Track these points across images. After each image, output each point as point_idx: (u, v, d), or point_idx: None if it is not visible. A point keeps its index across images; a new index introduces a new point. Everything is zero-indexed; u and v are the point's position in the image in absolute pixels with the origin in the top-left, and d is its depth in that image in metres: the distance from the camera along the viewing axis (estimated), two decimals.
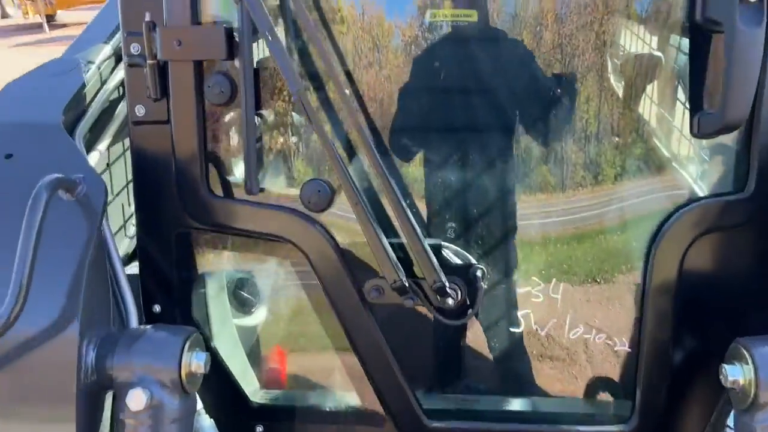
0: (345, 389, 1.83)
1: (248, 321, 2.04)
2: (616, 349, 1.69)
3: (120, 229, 2.08)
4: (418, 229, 1.50)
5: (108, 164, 1.99)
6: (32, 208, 1.33)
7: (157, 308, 1.75)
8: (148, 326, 1.53)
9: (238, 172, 1.65)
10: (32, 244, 1.32)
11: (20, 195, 1.36)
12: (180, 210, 1.65)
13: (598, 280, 1.65)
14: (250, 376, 1.93)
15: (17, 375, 1.37)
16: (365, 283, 1.58)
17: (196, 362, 1.47)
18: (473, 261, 1.60)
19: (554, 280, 1.64)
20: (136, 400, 1.40)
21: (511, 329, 1.69)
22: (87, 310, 1.43)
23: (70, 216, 1.47)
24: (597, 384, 1.77)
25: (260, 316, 2.09)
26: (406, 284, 1.52)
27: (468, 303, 1.57)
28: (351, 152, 1.58)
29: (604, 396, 1.78)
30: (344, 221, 1.59)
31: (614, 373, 1.73)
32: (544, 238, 1.64)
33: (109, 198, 1.96)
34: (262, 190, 1.60)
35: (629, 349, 1.67)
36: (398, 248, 1.56)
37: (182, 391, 1.45)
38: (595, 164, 1.58)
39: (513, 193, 1.64)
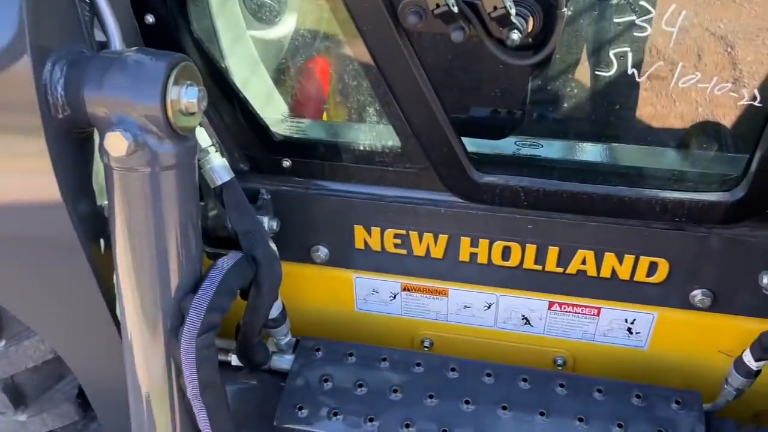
0: (385, 125, 1.52)
1: (270, 34, 1.68)
2: (740, 103, 1.26)
3: None
4: None
5: None
6: None
7: (149, 18, 1.40)
8: (127, 50, 1.20)
9: None
10: None
11: None
12: None
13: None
14: (274, 102, 1.64)
15: None
16: (400, 2, 1.14)
17: (187, 99, 1.17)
18: None
19: (673, 5, 1.14)
20: (115, 143, 1.14)
21: (597, 71, 1.26)
22: (38, 22, 1.10)
23: None
24: (701, 138, 1.38)
25: (286, 28, 1.71)
26: (454, 9, 1.08)
27: (541, 36, 1.12)
28: None
29: (708, 154, 1.40)
30: None
31: (729, 130, 1.32)
32: None
33: None
34: None
35: (759, 105, 1.24)
36: None
37: (173, 133, 1.18)
38: None
39: None
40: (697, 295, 1.56)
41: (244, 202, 1.43)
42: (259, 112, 1.53)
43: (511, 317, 1.77)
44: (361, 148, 1.53)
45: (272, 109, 1.62)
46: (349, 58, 1.49)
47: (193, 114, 1.20)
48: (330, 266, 1.76)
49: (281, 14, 1.68)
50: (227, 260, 1.36)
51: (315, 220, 1.67)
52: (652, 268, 1.54)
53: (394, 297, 1.81)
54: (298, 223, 1.67)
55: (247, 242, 1.42)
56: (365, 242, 1.69)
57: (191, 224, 1.29)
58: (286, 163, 1.59)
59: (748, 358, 1.44)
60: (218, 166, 1.40)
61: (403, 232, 1.64)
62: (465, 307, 1.78)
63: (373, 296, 1.82)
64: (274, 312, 1.63)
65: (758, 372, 1.46)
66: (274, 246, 1.46)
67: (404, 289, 1.78)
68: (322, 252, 1.72)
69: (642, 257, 1.52)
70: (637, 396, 1.62)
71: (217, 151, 1.40)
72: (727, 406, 1.59)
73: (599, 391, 1.63)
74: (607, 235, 1.49)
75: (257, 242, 1.42)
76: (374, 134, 1.53)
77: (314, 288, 1.83)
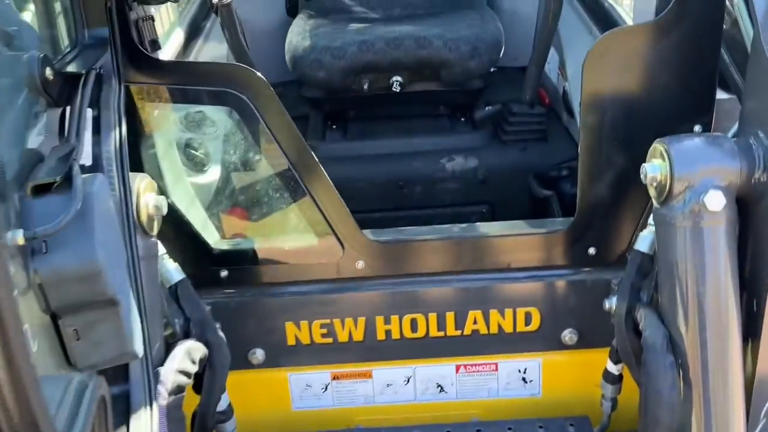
0: (301, 230, 1.94)
1: (201, 179, 2.10)
2: None
3: None
4: None
5: None
6: None
7: None
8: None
9: None
10: None
11: None
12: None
13: None
14: (210, 229, 2.01)
15: None
16: None
17: (153, 205, 1.53)
18: None
19: None
20: None
21: None
22: None
23: None
24: None
25: (213, 175, 2.14)
26: None
27: None
28: None
29: None
30: None
31: None
32: None
33: None
34: None
35: None
36: None
37: (143, 232, 1.52)
38: None
39: None
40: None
41: (195, 295, 1.72)
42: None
43: (428, 387, 2.07)
44: (286, 248, 1.91)
45: (207, 235, 1.98)
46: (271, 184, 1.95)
47: (158, 216, 1.55)
48: (266, 368, 2.01)
49: (208, 165, 2.12)
50: (187, 340, 1.62)
51: (250, 324, 1.96)
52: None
53: (326, 388, 2.06)
54: (235, 330, 1.94)
55: (198, 330, 1.69)
56: (296, 338, 1.98)
57: (158, 308, 1.57)
58: (224, 273, 1.92)
59: (609, 366, 1.83)
60: (172, 269, 1.71)
61: (328, 321, 1.96)
62: (388, 385, 2.06)
63: (306, 391, 2.06)
64: (223, 404, 1.83)
65: (620, 377, 1.84)
66: (221, 333, 1.73)
67: (334, 378, 2.05)
68: (259, 354, 1.98)
69: None
70: (540, 427, 1.93)
71: (170, 258, 1.72)
72: (611, 422, 1.93)
73: (509, 429, 1.93)
74: None
75: (207, 328, 1.70)
76: (294, 237, 1.94)
77: (251, 393, 2.04)
